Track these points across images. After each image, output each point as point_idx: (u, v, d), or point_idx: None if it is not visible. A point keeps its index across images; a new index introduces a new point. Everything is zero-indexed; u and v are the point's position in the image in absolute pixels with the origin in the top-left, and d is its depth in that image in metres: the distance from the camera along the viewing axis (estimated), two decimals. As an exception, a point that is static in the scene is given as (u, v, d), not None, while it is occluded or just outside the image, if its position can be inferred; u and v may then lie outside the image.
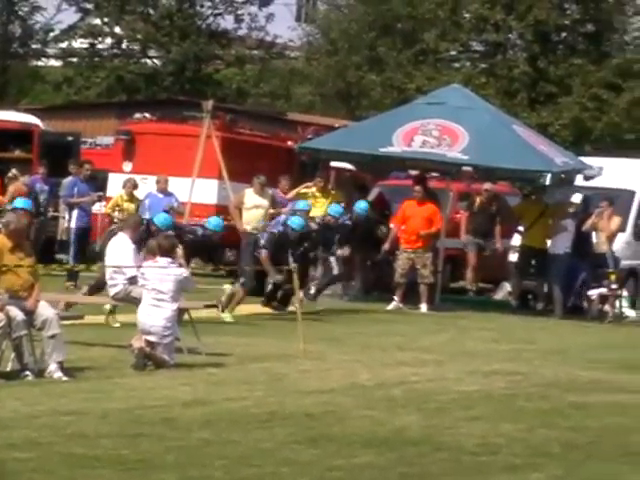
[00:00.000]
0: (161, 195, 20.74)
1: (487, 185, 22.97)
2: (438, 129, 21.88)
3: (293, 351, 12.41)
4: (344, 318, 16.43)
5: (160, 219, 15.60)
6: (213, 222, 16.99)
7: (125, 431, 7.49)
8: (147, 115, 25.86)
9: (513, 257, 22.36)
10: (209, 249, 19.00)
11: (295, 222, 18.20)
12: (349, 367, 11.76)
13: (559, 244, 21.16)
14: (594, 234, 20.21)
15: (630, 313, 19.86)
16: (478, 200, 22.95)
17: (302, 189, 21.28)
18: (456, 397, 10.18)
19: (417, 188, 20.24)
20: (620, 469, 7.00)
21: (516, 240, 22.87)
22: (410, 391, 10.23)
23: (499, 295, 21.64)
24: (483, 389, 10.49)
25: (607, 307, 19.53)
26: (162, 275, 11.58)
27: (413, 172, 22.15)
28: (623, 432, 8.60)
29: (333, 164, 23.86)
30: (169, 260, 11.99)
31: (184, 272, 12.29)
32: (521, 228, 22.42)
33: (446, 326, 17.49)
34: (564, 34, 35.50)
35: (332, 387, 10.26)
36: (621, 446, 7.91)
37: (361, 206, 20.48)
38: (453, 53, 37.53)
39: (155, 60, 44.60)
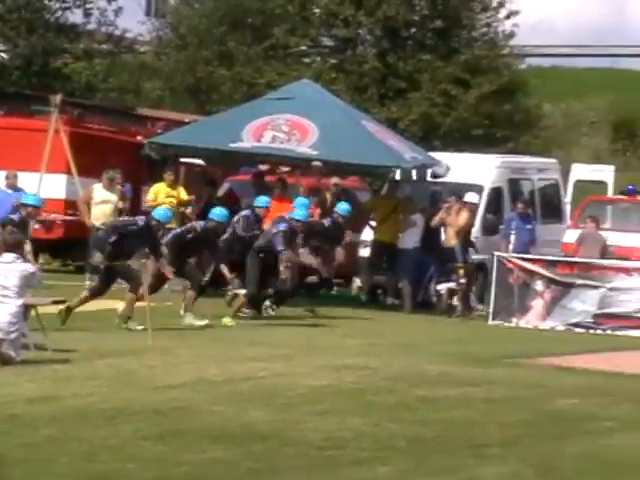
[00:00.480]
0: (10, 191, 20.43)
1: (335, 180, 22.99)
2: (288, 124, 22.20)
3: (142, 347, 12.37)
4: (196, 313, 16.16)
5: (160, 213, 15.45)
6: (159, 213, 16.41)
7: (-31, 428, 7.51)
8: (-6, 109, 25.51)
9: (363, 252, 22.68)
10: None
11: (298, 214, 18.26)
12: (198, 362, 11.75)
13: (408, 239, 21.52)
14: (443, 229, 20.66)
15: (479, 307, 20.39)
16: (328, 195, 23.00)
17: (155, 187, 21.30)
18: (305, 392, 10.24)
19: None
20: (465, 462, 7.13)
21: (367, 235, 23.07)
22: (259, 386, 10.30)
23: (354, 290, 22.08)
24: (332, 384, 10.57)
25: (455, 301, 19.86)
26: (7, 271, 11.48)
27: (263, 167, 22.46)
28: (468, 425, 8.78)
29: (183, 159, 23.90)
30: (15, 256, 11.84)
31: (30, 268, 12.17)
32: (373, 223, 22.62)
33: (297, 321, 17.65)
34: (413, 30, 35.61)
35: (181, 382, 10.21)
36: (466, 439, 8.08)
37: (343, 207, 20.43)
38: (303, 48, 37.24)
39: (2, 54, 43.94)
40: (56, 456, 6.72)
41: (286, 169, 22.96)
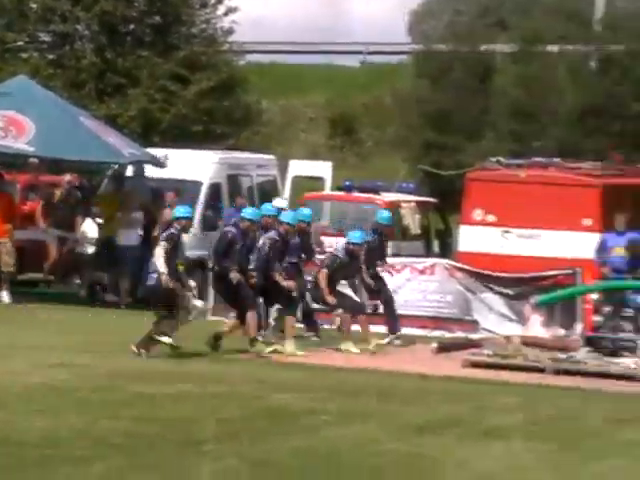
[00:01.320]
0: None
1: (68, 177, 23.02)
2: (4, 120, 22.08)
3: None
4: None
5: (181, 210, 15.14)
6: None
7: None
8: None
9: (84, 249, 22.46)
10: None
11: (355, 236, 17.69)
12: None
13: (128, 236, 21.70)
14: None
15: (198, 303, 19.80)
16: (58, 192, 22.95)
17: None
18: (20, 390, 10.13)
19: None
20: (181, 458, 7.32)
21: (91, 232, 22.71)
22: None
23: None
24: (48, 382, 10.50)
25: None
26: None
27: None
28: (185, 421, 8.97)
29: None
30: None
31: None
32: (100, 220, 22.52)
33: (14, 318, 17.49)
34: (132, 26, 35.21)
35: None
36: (183, 435, 8.25)
37: (384, 216, 19.72)
38: (20, 44, 35.67)
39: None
40: None
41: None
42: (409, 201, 25.54)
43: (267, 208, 16.11)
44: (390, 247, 20.71)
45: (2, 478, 6.83)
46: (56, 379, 10.55)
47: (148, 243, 21.17)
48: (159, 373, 11.95)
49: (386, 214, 18.57)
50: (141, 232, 22.28)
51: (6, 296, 20.46)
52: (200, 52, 33.84)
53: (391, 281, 19.61)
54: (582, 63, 37.30)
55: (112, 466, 7.12)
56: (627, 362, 15.67)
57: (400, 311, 18.74)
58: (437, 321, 20.57)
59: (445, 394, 12.67)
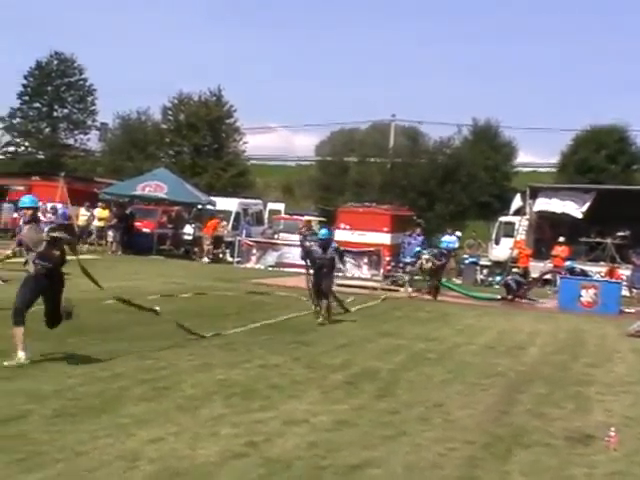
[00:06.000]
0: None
1: (178, 208, 38.83)
2: (155, 185, 38.66)
3: None
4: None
5: (323, 233, 20.33)
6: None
7: None
8: None
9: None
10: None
11: (450, 242, 28.58)
12: None
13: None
14: None
15: None
16: (174, 214, 38.83)
17: None
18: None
19: None
20: None
21: (188, 231, 39.41)
22: None
23: None
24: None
25: None
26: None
27: None
28: None
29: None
30: None
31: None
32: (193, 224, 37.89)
33: None
34: (205, 148, 63.17)
35: None
36: None
37: (451, 240, 33.07)
38: (161, 154, 64.09)
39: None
40: None
41: None
42: (314, 220, 44.44)
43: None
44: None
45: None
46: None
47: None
48: None
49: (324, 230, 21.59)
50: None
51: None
52: (232, 159, 61.22)
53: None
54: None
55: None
56: None
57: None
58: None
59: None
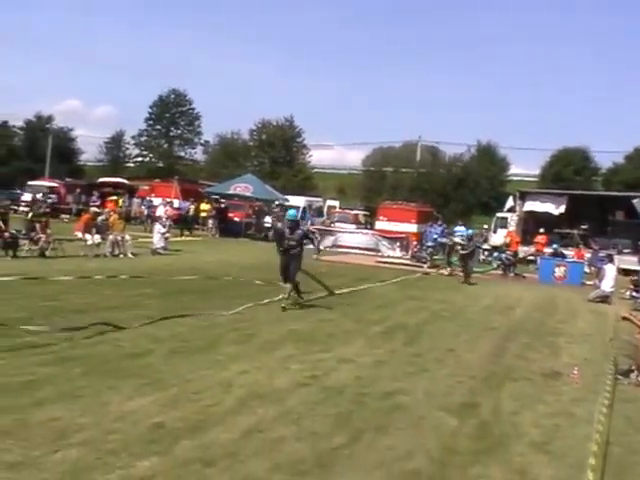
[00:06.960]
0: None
1: (259, 203, 36.42)
2: (243, 186, 36.59)
3: None
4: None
5: (290, 213, 15.20)
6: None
7: None
8: None
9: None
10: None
11: (462, 231, 26.00)
12: None
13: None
14: None
15: None
16: (256, 208, 37.07)
17: None
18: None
19: None
20: None
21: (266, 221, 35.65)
22: None
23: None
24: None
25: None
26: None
27: None
28: None
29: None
30: None
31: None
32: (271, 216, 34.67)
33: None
34: (280, 159, 65.62)
35: None
36: None
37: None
38: (248, 164, 64.99)
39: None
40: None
41: None
42: (360, 213, 44.88)
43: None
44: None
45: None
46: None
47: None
48: None
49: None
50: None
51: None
52: (300, 168, 61.92)
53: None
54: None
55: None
56: None
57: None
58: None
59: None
